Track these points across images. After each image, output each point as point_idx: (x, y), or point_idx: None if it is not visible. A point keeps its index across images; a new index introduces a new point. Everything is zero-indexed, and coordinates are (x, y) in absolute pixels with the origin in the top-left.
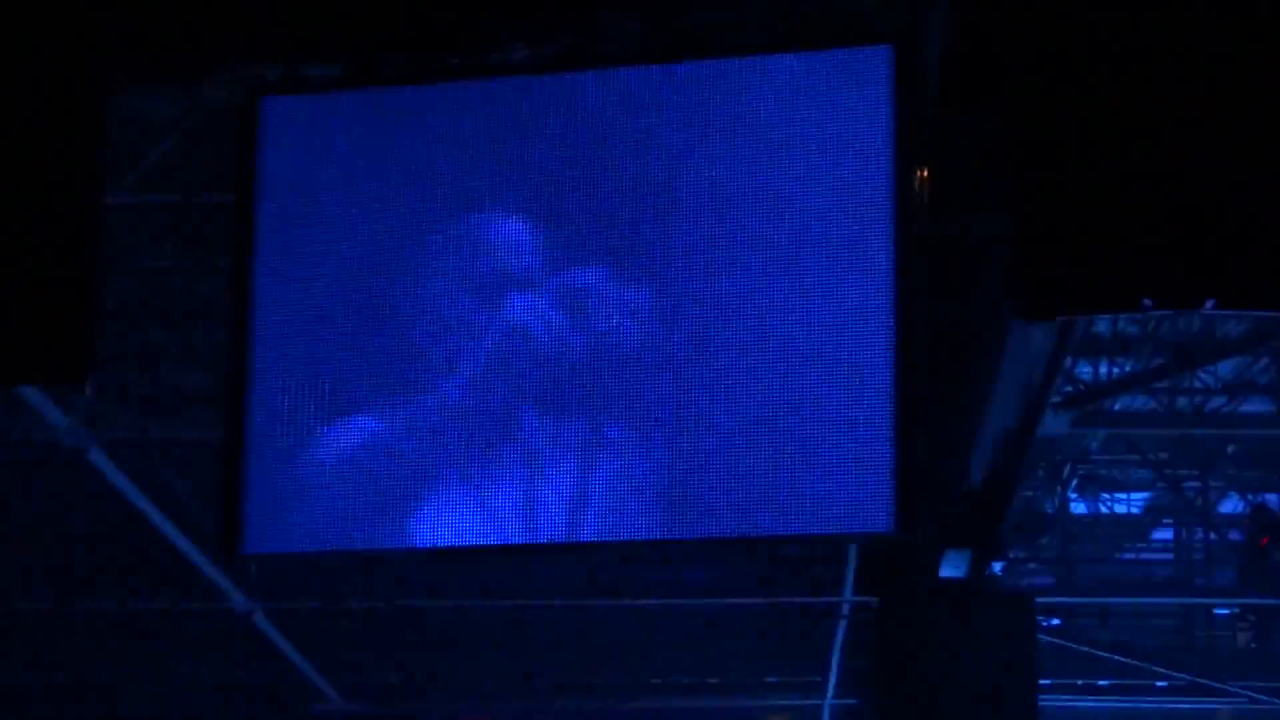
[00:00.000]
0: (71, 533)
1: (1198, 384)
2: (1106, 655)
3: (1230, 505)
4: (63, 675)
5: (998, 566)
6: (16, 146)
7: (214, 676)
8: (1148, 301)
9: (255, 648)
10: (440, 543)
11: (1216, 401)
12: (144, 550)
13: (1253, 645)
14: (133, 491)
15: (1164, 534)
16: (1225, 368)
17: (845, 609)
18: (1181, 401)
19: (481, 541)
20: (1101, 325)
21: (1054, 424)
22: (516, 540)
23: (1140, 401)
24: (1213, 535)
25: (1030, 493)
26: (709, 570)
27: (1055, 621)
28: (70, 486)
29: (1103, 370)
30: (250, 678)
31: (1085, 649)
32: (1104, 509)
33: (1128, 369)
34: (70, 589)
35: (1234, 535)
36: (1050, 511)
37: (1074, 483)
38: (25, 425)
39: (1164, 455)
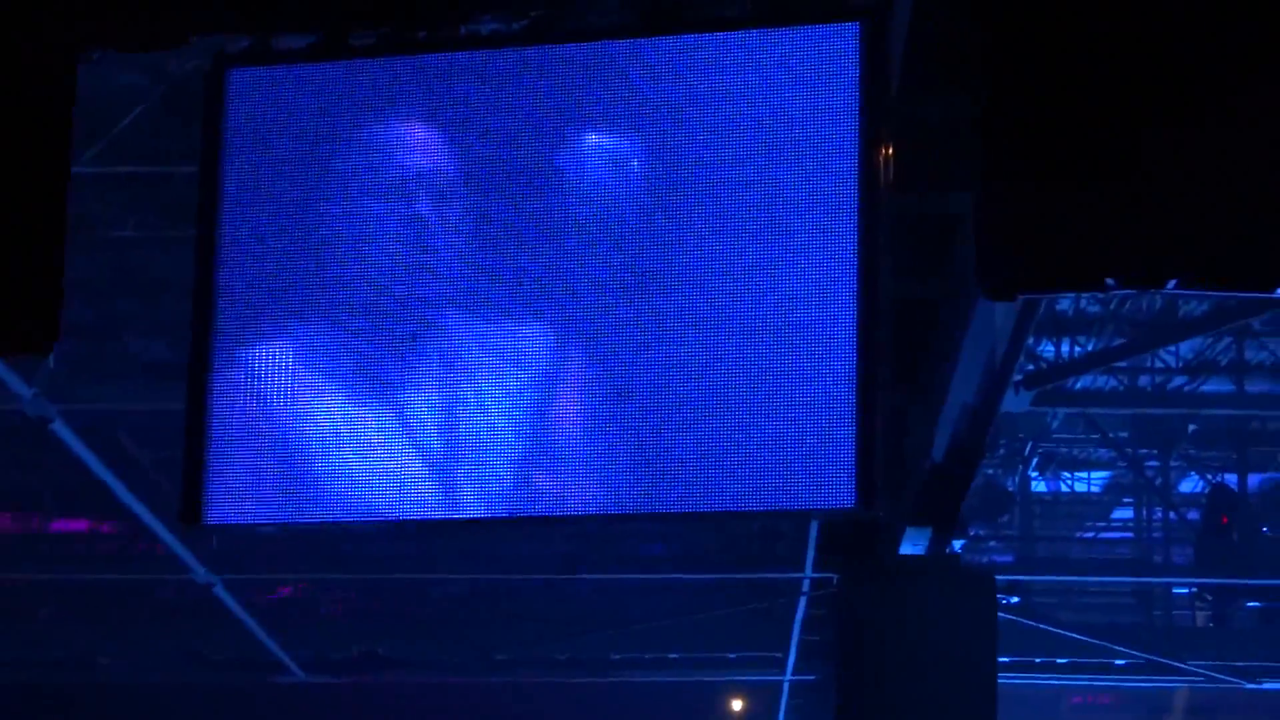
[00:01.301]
0: (34, 502)
1: (1159, 363)
2: (1066, 633)
3: (1190, 485)
4: (24, 646)
5: (958, 544)
6: None
7: (175, 647)
8: (1110, 281)
9: (216, 619)
10: (402, 516)
11: (1177, 381)
12: (106, 521)
13: (1211, 624)
14: (95, 462)
15: (1124, 513)
16: (1186, 347)
17: (806, 585)
18: (1143, 381)
19: (443, 515)
20: (1064, 304)
21: (1015, 402)
22: (478, 514)
23: (1101, 380)
24: (1172, 514)
25: (991, 471)
26: (670, 545)
27: (1015, 599)
28: (33, 456)
29: (1064, 349)
30: (211, 649)
31: (1045, 627)
32: (1064, 488)
33: (1089, 348)
34: (30, 560)
35: (1193, 515)
36: (1012, 489)
37: (1035, 461)
38: None
39: (1124, 434)
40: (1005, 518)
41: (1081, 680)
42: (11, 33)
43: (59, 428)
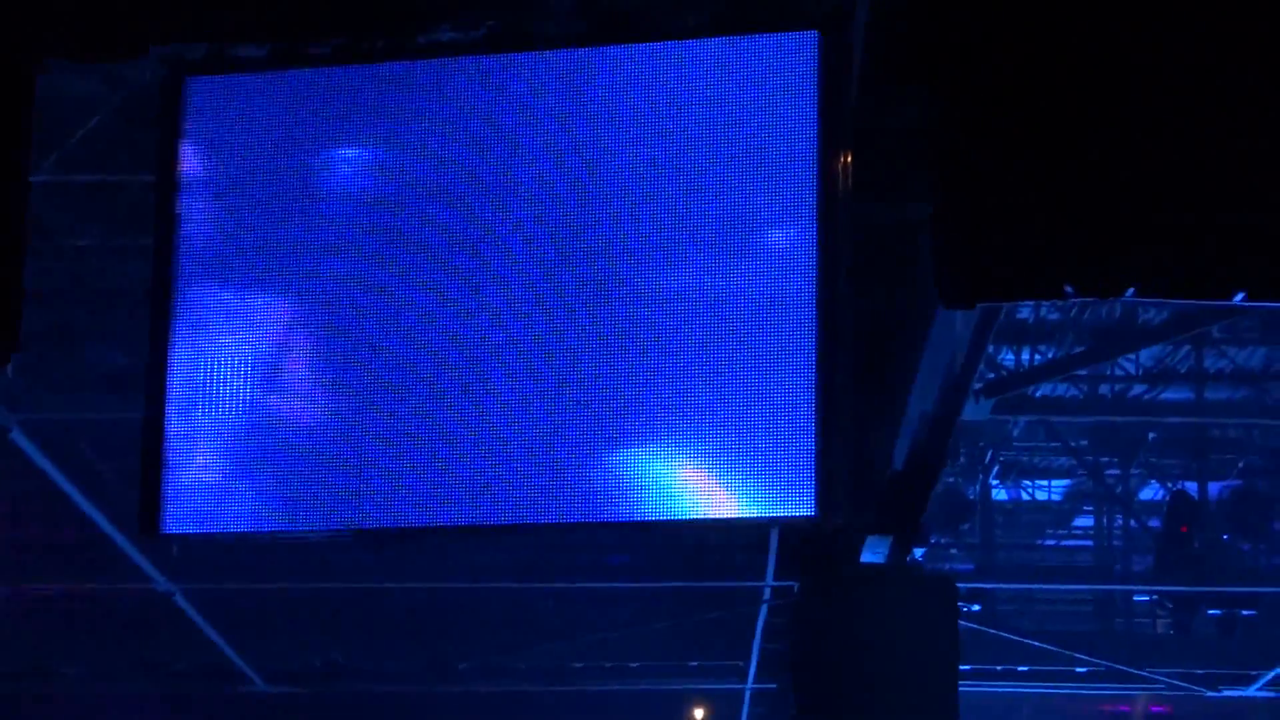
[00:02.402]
0: None
1: (1119, 371)
2: (1026, 641)
3: (1150, 492)
4: None
5: (919, 552)
6: None
7: (135, 657)
8: (1069, 288)
9: (176, 629)
10: (362, 525)
11: (1137, 389)
12: (65, 530)
13: (1171, 632)
14: (54, 471)
15: (1084, 521)
16: (1146, 355)
17: (767, 593)
18: (1103, 389)
19: (403, 524)
20: (1023, 312)
21: (975, 410)
22: (437, 523)
23: (1062, 389)
24: (1133, 522)
25: (952, 479)
26: (631, 554)
27: (976, 607)
28: None
29: (1024, 357)
30: (172, 659)
31: (1006, 634)
32: (1025, 495)
33: (1049, 356)
34: None
35: (1154, 522)
36: (972, 497)
37: (995, 469)
38: None
39: (1084, 442)
40: (966, 526)
41: (1041, 688)
42: None
43: (17, 437)
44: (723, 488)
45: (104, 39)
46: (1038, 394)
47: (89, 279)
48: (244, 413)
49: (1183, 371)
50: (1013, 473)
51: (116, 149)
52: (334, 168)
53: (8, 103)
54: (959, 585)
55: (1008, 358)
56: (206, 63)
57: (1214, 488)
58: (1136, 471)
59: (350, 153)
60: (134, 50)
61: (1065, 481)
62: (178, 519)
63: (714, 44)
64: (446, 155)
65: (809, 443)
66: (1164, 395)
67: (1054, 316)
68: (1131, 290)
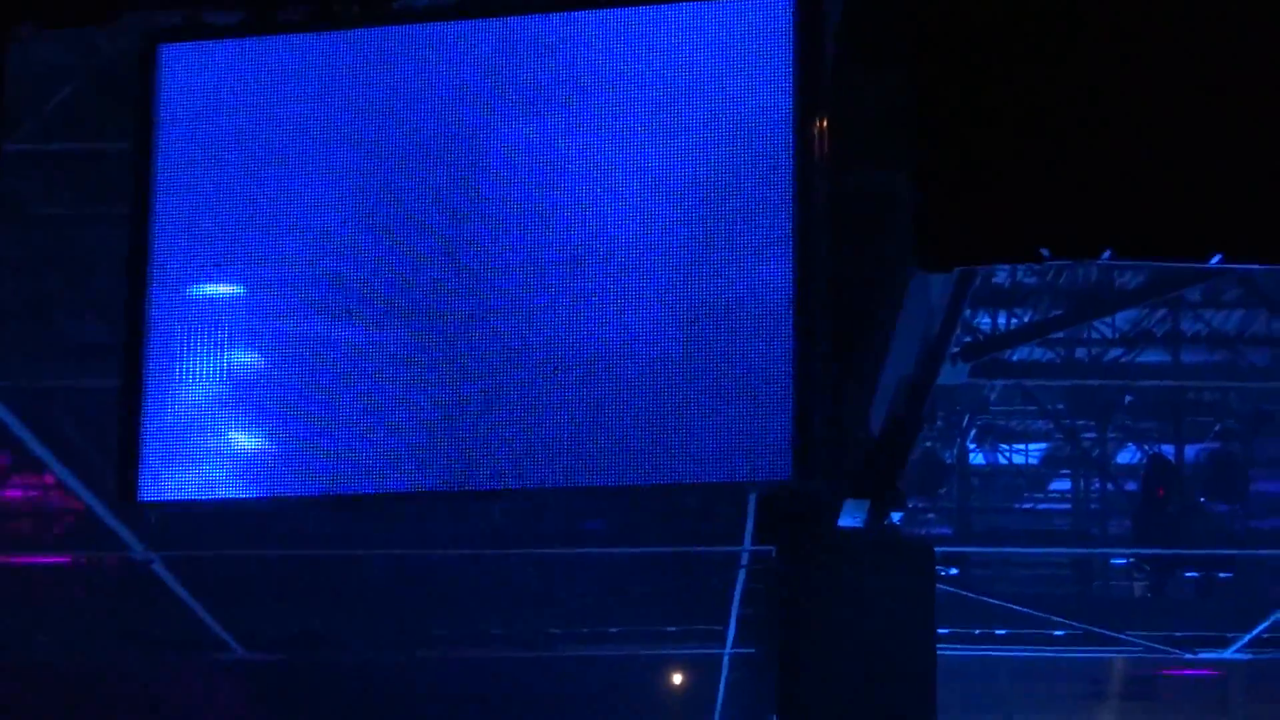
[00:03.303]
0: None
1: (1095, 335)
2: (1004, 604)
3: (1127, 456)
4: None
5: (897, 516)
6: None
7: (114, 626)
8: (1045, 251)
9: (155, 597)
10: (340, 490)
11: (1114, 352)
12: (43, 499)
13: (1148, 594)
14: (32, 440)
15: (1061, 484)
16: (1122, 319)
17: (744, 558)
18: (1079, 352)
19: (382, 489)
20: (1000, 276)
21: (952, 374)
22: (414, 488)
23: (1038, 352)
24: (1110, 485)
25: (930, 443)
26: (609, 519)
27: (953, 571)
28: None
29: (1001, 321)
30: (150, 627)
31: (983, 598)
32: (1002, 459)
33: (1026, 320)
34: None
35: (1131, 486)
36: (949, 461)
37: (972, 433)
38: None
39: (1061, 406)
40: (943, 490)
41: (1019, 651)
42: None
43: None
44: (699, 452)
45: (75, 4)
46: (1014, 358)
47: (63, 248)
48: (221, 380)
49: (1159, 335)
50: (990, 437)
51: (89, 118)
52: (309, 134)
53: None
54: (936, 549)
55: (984, 321)
56: (180, 30)
57: (1190, 450)
58: (1113, 435)
59: (325, 119)
60: (106, 16)
61: (1042, 445)
62: (155, 487)
63: (689, 8)
64: (419, 121)
65: (786, 406)
66: (1140, 358)
67: (1031, 280)
68: (1108, 253)
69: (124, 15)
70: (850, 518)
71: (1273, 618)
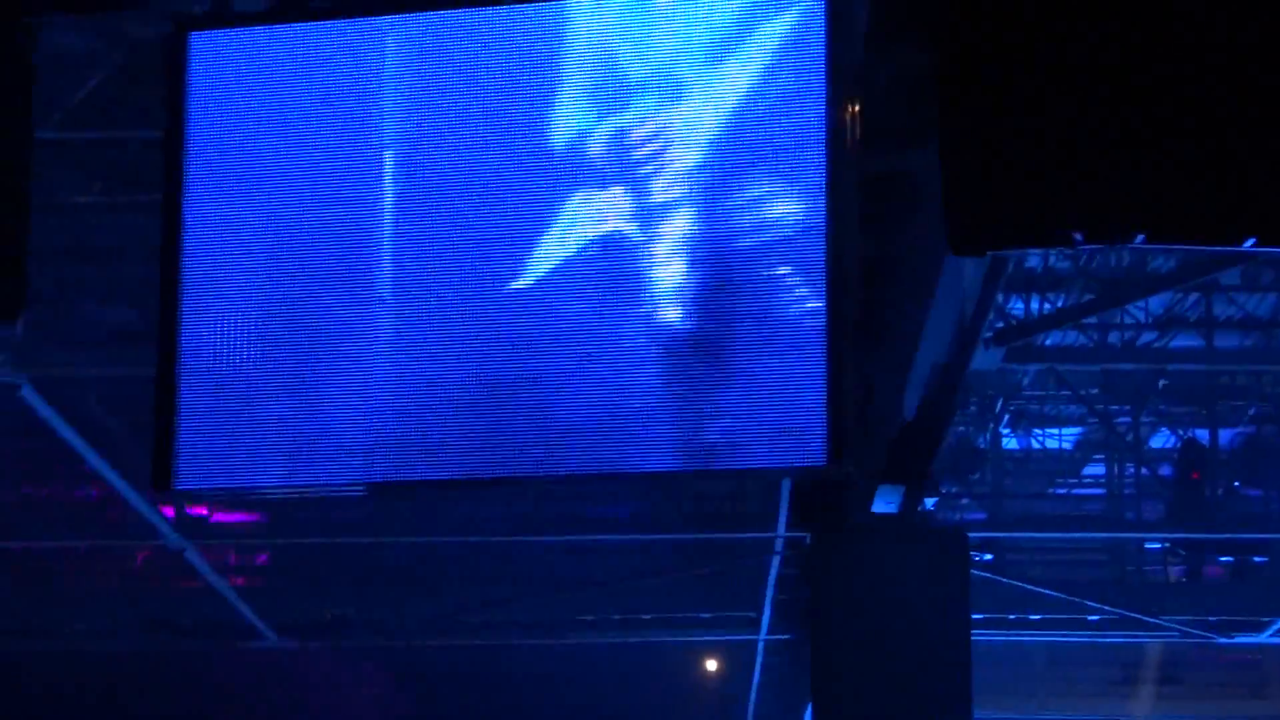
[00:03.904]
0: (3, 470)
1: (1128, 319)
2: (1038, 590)
3: (1161, 440)
4: None
5: (930, 502)
6: None
7: (147, 613)
8: (1078, 236)
9: (188, 584)
10: (373, 477)
11: (1147, 337)
12: (76, 487)
13: (1183, 579)
14: (65, 428)
15: (1095, 469)
16: (1155, 303)
17: (779, 544)
18: (1112, 336)
19: (415, 475)
20: (1033, 260)
21: (985, 359)
22: (452, 473)
23: (1071, 336)
24: (1144, 470)
25: (963, 428)
26: (642, 505)
27: (987, 556)
28: (1, 424)
29: (1034, 305)
30: (183, 615)
31: (1017, 583)
32: (1036, 444)
33: (1059, 304)
34: (2, 527)
35: (1165, 470)
36: (983, 447)
37: (1006, 418)
38: None
39: (1094, 391)
40: (977, 475)
41: (1054, 636)
42: None
43: (28, 394)
44: (733, 438)
45: None
46: (1047, 342)
47: (93, 236)
48: (255, 367)
49: (1192, 319)
50: (1023, 421)
51: (118, 106)
52: (340, 120)
53: (9, 62)
54: (970, 535)
55: (1017, 306)
56: (209, 18)
57: (1224, 435)
58: (1147, 419)
59: (356, 104)
60: (133, 6)
61: (1076, 430)
62: (189, 474)
63: None
64: (451, 105)
65: (820, 393)
66: (1174, 343)
67: (1063, 265)
68: (1141, 237)
69: (152, 2)
70: (884, 503)
71: None
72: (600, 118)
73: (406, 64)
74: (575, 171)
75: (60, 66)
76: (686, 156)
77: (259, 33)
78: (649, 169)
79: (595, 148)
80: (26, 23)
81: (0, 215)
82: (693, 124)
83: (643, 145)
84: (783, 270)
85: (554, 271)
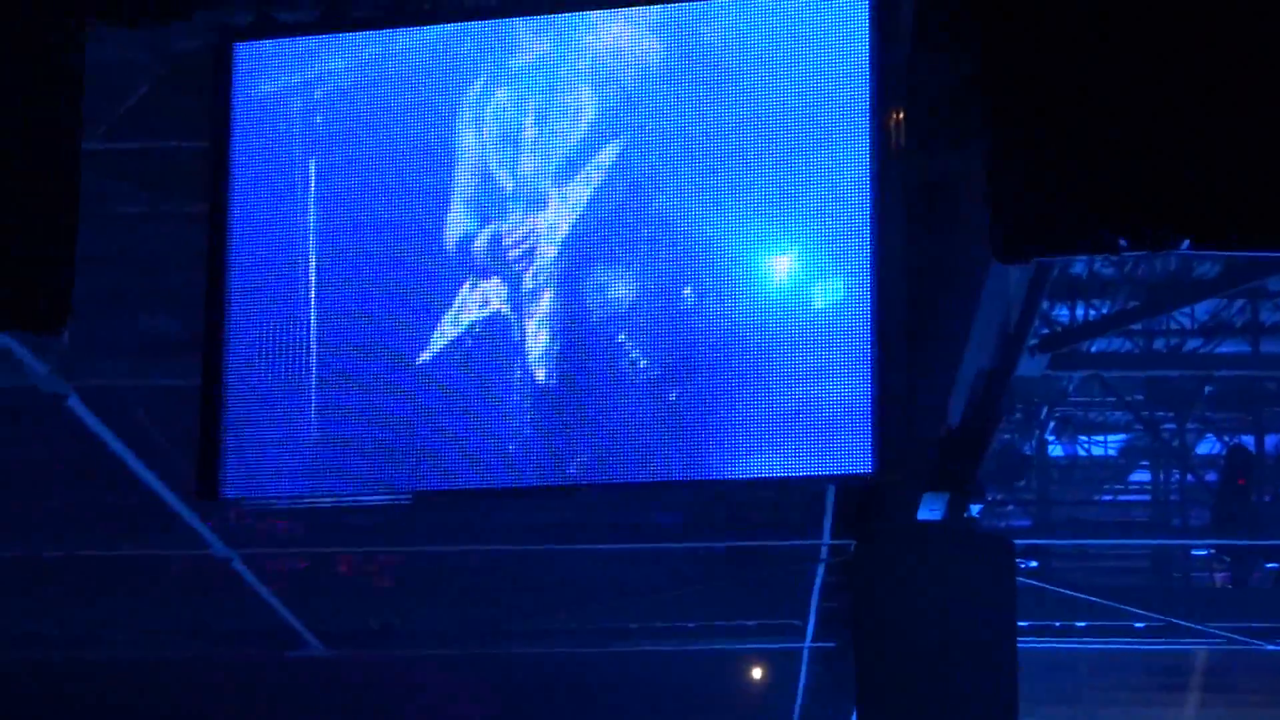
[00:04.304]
0: (50, 479)
1: (1174, 325)
2: (1084, 597)
3: (1207, 447)
4: (41, 622)
5: (976, 509)
6: None
7: (193, 622)
8: (1123, 242)
9: (233, 593)
10: (420, 486)
11: (1192, 343)
12: (122, 496)
13: (1229, 586)
14: (111, 438)
15: (1141, 476)
16: (1201, 309)
17: (824, 552)
18: (1158, 343)
19: (461, 485)
20: (1078, 267)
21: (1030, 366)
22: (496, 484)
23: (1116, 343)
24: (1190, 477)
25: (1008, 435)
26: (686, 513)
27: (1033, 564)
28: (48, 433)
29: (1079, 312)
30: (229, 624)
31: (1063, 591)
32: (1081, 451)
33: (1104, 311)
34: (49, 536)
35: (1211, 477)
36: (1028, 453)
37: (1051, 425)
38: (3, 373)
39: (1139, 397)
40: (1022, 482)
41: (1099, 643)
42: (20, 10)
43: (74, 404)
44: (779, 445)
45: (149, 3)
46: (1092, 349)
47: (139, 246)
48: (300, 376)
49: (1238, 325)
50: (1068, 428)
51: (164, 117)
52: (384, 129)
53: (60, 72)
54: (1015, 542)
55: (1062, 313)
56: (254, 28)
57: (1271, 441)
58: (1193, 426)
59: (400, 114)
60: (179, 14)
61: (1121, 437)
62: (235, 483)
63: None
64: (498, 116)
65: (866, 400)
66: (1219, 349)
67: (1108, 271)
68: (1186, 243)
69: (197, 13)
70: (929, 510)
71: None
72: (643, 127)
73: (449, 74)
74: (621, 174)
75: (106, 78)
76: (730, 164)
77: (304, 43)
78: (692, 181)
79: (638, 154)
80: (76, 36)
81: (48, 226)
82: (735, 133)
83: (686, 157)
84: (829, 279)
85: (596, 279)
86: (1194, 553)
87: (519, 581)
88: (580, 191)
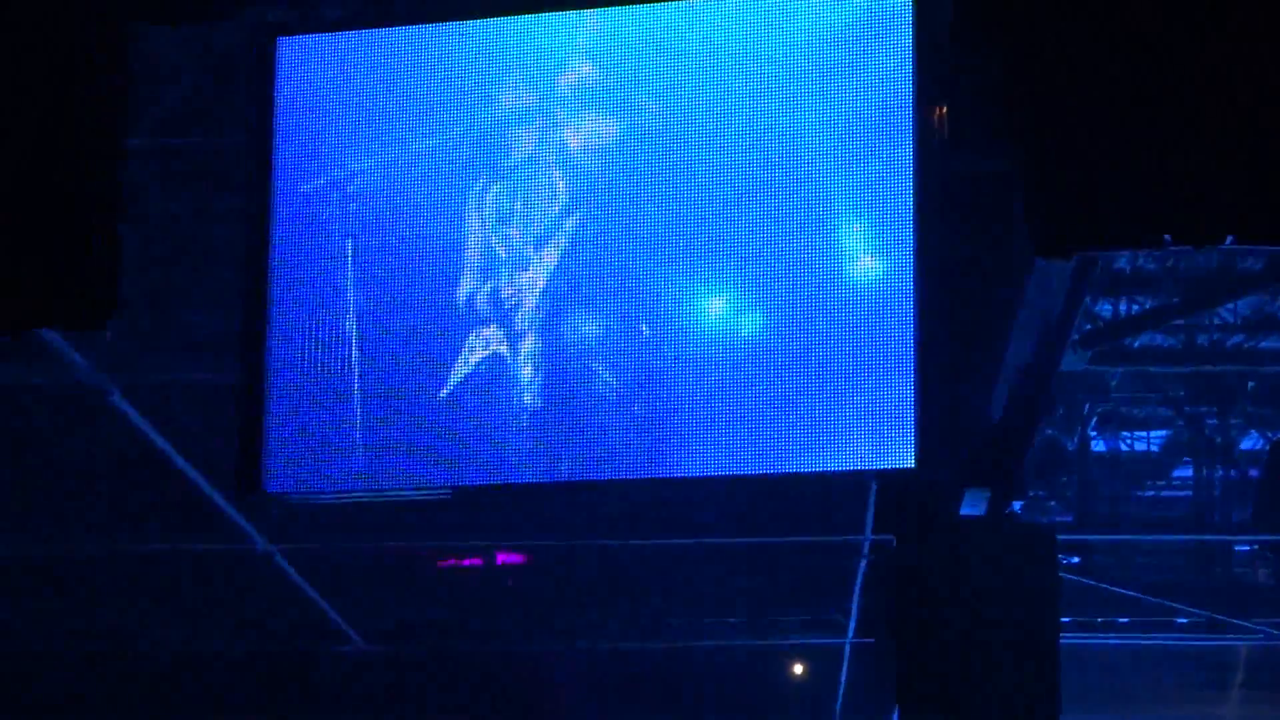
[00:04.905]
0: (93, 475)
1: (1217, 320)
2: (1126, 592)
3: (1250, 442)
4: (84, 618)
5: (1018, 504)
6: (42, 90)
7: (234, 618)
8: (1167, 237)
9: (275, 589)
10: (464, 481)
11: (1236, 338)
12: (165, 492)
13: (1272, 581)
14: (154, 433)
15: (1184, 471)
16: (1244, 304)
17: (865, 547)
18: (1200, 338)
19: (504, 480)
20: (1120, 262)
21: (1073, 361)
22: (537, 479)
23: (1159, 338)
24: (1232, 472)
25: (1050, 431)
26: (728, 508)
27: (1075, 559)
28: (92, 429)
29: (1122, 308)
30: (270, 619)
31: (1105, 586)
32: (1124, 447)
33: (1147, 306)
34: (91, 531)
35: (1254, 473)
36: (1071, 449)
37: (1094, 420)
38: (47, 368)
39: (1182, 393)
40: (1064, 478)
41: (1141, 639)
42: (64, 8)
43: (117, 399)
44: (821, 440)
45: (191, 1)
46: (1135, 344)
47: (182, 243)
48: (341, 371)
49: None
50: (1111, 424)
51: (207, 113)
52: (427, 125)
53: (104, 69)
54: (1058, 537)
55: (1105, 308)
56: (296, 23)
57: None
58: (1236, 421)
59: (443, 110)
60: (223, 12)
61: (1164, 432)
62: (277, 479)
63: None
64: (543, 111)
65: (908, 395)
66: (1263, 344)
67: (1151, 266)
68: (1230, 238)
69: (238, 10)
70: (971, 506)
71: None
72: (687, 122)
73: (495, 68)
74: (665, 171)
75: (149, 75)
76: (773, 162)
77: (347, 38)
78: (735, 176)
79: (679, 151)
80: (119, 34)
81: (93, 223)
82: (779, 128)
83: (729, 150)
84: (872, 275)
85: (639, 273)
86: (1236, 548)
87: (562, 577)
88: (625, 190)
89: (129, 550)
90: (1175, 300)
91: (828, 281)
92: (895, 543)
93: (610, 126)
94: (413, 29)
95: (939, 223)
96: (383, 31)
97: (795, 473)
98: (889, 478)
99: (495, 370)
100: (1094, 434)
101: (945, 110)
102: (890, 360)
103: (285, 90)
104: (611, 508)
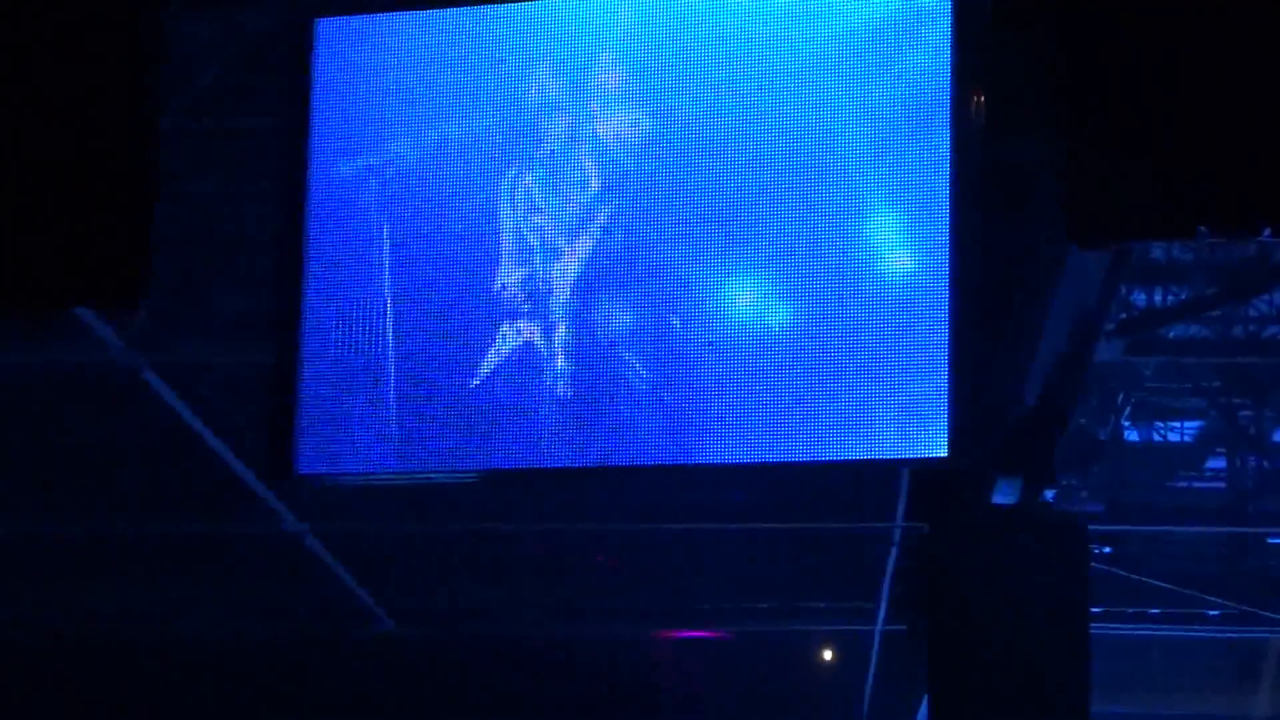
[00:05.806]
0: (125, 455)
1: (1252, 312)
2: (1157, 583)
3: None
4: (113, 598)
5: (1049, 494)
6: (76, 68)
7: (264, 599)
8: (1203, 229)
9: (306, 570)
10: (495, 464)
11: (1271, 329)
12: (196, 472)
13: None
14: (186, 412)
15: (1217, 462)
16: None
17: (896, 535)
18: (1235, 329)
19: (535, 464)
20: (1156, 252)
21: (1107, 351)
22: (566, 464)
23: (1194, 329)
24: (1266, 464)
25: (1083, 420)
26: (757, 495)
27: (1106, 549)
28: (124, 407)
29: (1157, 298)
30: (300, 601)
31: (1136, 577)
32: (1157, 437)
33: (1182, 296)
34: (122, 511)
35: None
36: (1104, 439)
37: (1127, 410)
38: (80, 348)
39: (1216, 384)
40: (1097, 468)
41: (1172, 630)
42: None
43: (150, 378)
44: (853, 428)
45: None
46: (1170, 334)
47: (214, 224)
48: (376, 353)
49: None
50: (1144, 414)
51: (240, 94)
52: (468, 110)
53: (140, 45)
54: (1089, 527)
55: (1139, 298)
56: (337, 3)
57: None
58: (1270, 413)
59: (485, 94)
60: None
61: (1197, 423)
62: (308, 460)
63: None
64: (576, 99)
65: (942, 383)
66: None
67: (1187, 256)
68: (1268, 230)
69: None
70: (1003, 495)
71: None
72: (720, 112)
73: (538, 51)
74: (690, 160)
75: (181, 56)
76: (805, 150)
77: (387, 20)
78: (767, 163)
79: (716, 139)
80: (154, 14)
81: (126, 202)
82: (811, 115)
83: (763, 139)
84: (905, 261)
85: (670, 259)
86: (1270, 540)
87: (592, 562)
88: (659, 179)
89: (157, 531)
90: (1211, 291)
91: (861, 270)
92: (927, 531)
93: (643, 116)
94: (449, 12)
95: (974, 209)
96: (420, 15)
97: (827, 461)
98: (921, 466)
99: (527, 357)
100: (1127, 424)
101: (983, 98)
102: (924, 350)
103: (322, 72)
104: (641, 493)
